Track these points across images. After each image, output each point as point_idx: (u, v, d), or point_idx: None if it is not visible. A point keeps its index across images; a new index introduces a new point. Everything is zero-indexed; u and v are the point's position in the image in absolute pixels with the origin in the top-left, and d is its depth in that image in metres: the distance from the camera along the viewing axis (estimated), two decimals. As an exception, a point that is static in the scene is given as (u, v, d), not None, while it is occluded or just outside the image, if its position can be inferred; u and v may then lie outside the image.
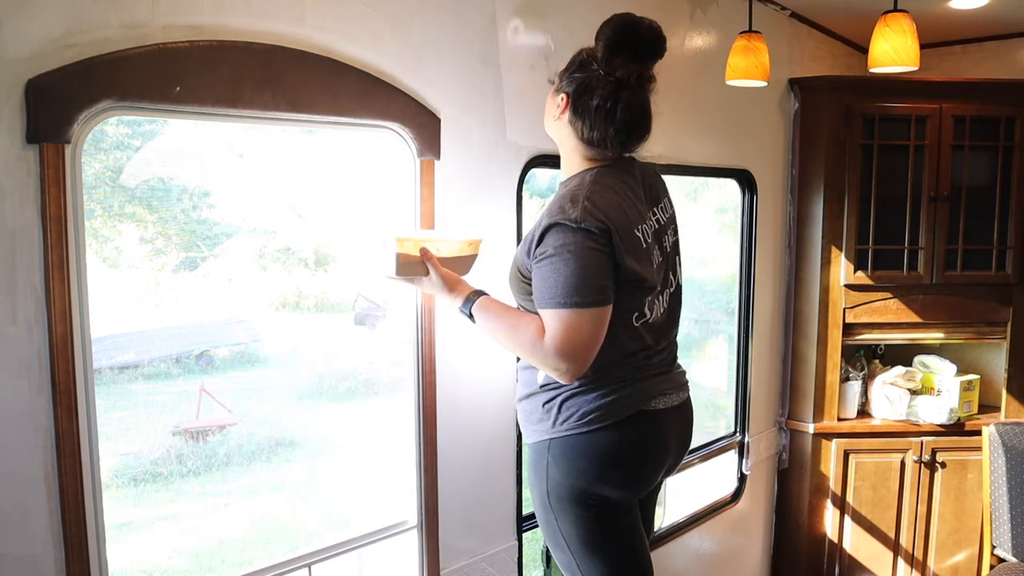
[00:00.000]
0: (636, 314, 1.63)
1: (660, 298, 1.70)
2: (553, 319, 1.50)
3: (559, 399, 1.65)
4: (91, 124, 1.34)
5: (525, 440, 1.79)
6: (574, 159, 1.68)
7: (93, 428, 1.38)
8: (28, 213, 1.27)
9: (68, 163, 1.30)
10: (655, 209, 1.71)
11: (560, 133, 1.69)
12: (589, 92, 1.59)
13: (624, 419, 1.64)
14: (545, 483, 1.69)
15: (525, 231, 1.78)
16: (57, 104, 1.26)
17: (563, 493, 1.68)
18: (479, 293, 1.67)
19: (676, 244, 1.79)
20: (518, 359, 2.11)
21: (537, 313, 1.56)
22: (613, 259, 1.53)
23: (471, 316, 1.65)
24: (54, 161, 1.27)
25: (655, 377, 1.71)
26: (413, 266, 1.66)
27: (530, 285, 1.58)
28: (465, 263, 1.76)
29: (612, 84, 1.57)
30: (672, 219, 1.78)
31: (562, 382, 1.59)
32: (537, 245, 1.55)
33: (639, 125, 1.61)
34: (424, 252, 1.65)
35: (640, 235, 1.61)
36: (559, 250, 1.51)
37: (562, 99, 1.64)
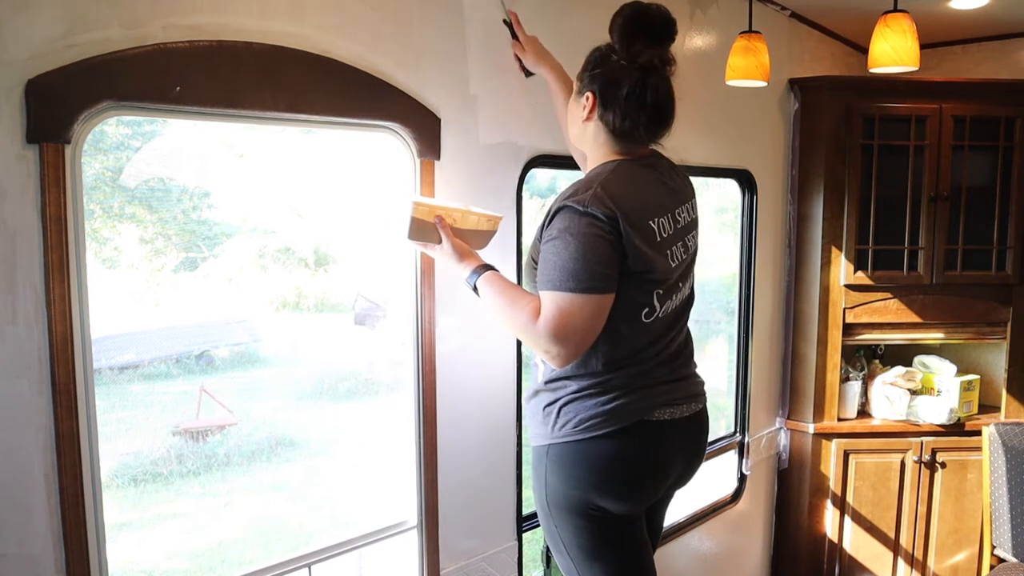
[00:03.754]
0: (646, 309, 1.60)
1: (674, 296, 1.67)
2: (549, 301, 1.49)
3: (559, 403, 1.63)
4: (91, 124, 1.33)
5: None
6: (602, 154, 1.67)
7: (93, 428, 1.38)
8: (28, 213, 1.27)
9: (68, 163, 1.29)
10: (682, 207, 1.69)
11: (588, 134, 1.67)
12: (616, 83, 1.58)
13: (623, 428, 1.60)
14: (544, 489, 1.67)
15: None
16: (57, 104, 1.26)
17: (561, 502, 1.65)
18: (487, 267, 1.66)
19: (696, 250, 1.76)
20: (519, 359, 2.12)
21: None
22: (621, 248, 1.52)
23: (476, 289, 1.64)
24: (54, 161, 1.27)
25: (663, 385, 1.66)
26: (426, 232, 1.67)
27: None
28: (481, 238, 1.77)
29: (638, 71, 1.57)
30: (695, 223, 1.75)
31: (553, 367, 1.57)
32: (546, 227, 1.56)
33: (668, 109, 1.62)
34: (439, 219, 1.66)
35: (656, 227, 1.58)
36: (562, 233, 1.50)
37: (587, 98, 1.62)
